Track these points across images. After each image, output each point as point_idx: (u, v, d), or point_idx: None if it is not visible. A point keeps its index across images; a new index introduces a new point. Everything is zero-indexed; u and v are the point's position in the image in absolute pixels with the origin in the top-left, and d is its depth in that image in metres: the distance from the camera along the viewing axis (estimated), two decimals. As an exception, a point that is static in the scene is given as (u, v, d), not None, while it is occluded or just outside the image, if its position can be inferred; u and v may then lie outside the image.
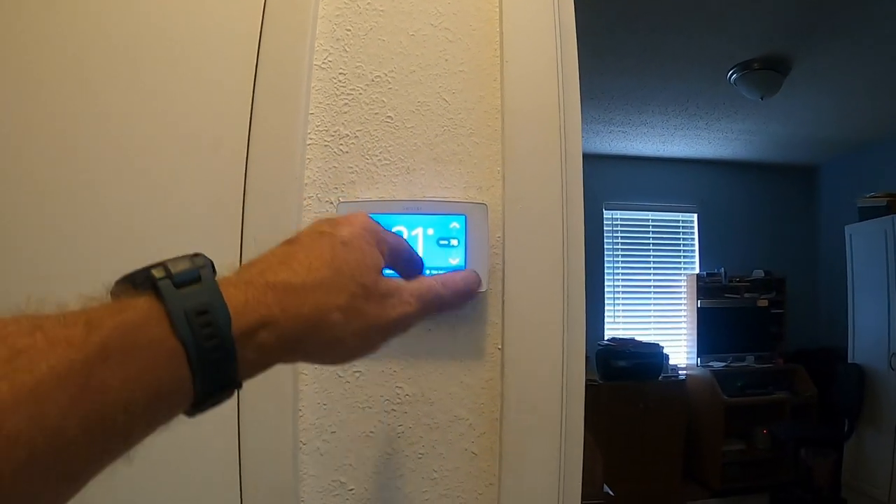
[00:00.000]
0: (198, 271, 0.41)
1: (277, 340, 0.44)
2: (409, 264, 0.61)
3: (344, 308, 0.48)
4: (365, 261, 0.51)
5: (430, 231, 0.96)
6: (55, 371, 0.32)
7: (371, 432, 0.98)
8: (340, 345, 0.49)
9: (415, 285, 0.56)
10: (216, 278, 0.43)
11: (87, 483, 0.35)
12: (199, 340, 0.38)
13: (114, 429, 0.35)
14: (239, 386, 0.43)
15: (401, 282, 0.56)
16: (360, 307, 0.50)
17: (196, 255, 0.43)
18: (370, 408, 0.98)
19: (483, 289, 0.96)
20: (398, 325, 0.54)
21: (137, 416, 0.36)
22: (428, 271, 0.70)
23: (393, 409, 0.98)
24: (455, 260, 0.96)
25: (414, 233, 0.96)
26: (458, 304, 0.61)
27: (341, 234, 0.51)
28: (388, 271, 0.57)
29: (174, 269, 0.41)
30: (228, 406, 0.97)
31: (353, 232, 0.52)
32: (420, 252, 0.95)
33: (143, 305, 0.38)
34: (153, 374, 0.37)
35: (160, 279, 0.40)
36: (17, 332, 0.33)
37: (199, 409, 0.41)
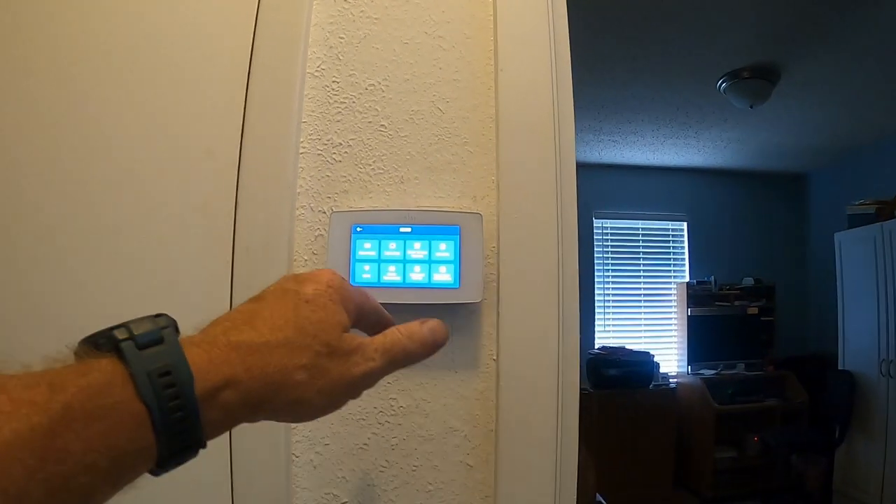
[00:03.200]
0: (160, 332, 0.42)
1: (241, 400, 0.44)
2: (377, 322, 0.61)
3: (307, 367, 0.48)
4: (329, 319, 0.51)
5: (424, 241, 0.95)
6: (18, 434, 0.32)
7: (365, 444, 0.97)
8: (305, 404, 0.49)
9: (379, 340, 0.56)
10: (179, 339, 0.43)
11: None
12: (163, 402, 0.39)
13: (76, 490, 0.35)
14: (203, 446, 0.43)
15: (365, 338, 0.55)
16: (323, 366, 0.50)
17: (158, 315, 0.44)
18: (364, 420, 0.97)
19: (478, 300, 0.95)
20: (363, 382, 0.54)
21: (100, 478, 0.36)
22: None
23: (387, 421, 0.97)
24: (448, 276, 0.95)
25: (408, 243, 0.95)
26: (424, 355, 0.60)
27: (305, 291, 0.52)
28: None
29: (136, 330, 0.41)
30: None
31: (317, 290, 0.52)
32: (414, 264, 0.95)
33: (106, 367, 0.39)
34: (116, 437, 0.37)
35: (122, 340, 0.40)
36: None
37: (163, 468, 0.42)
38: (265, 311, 0.49)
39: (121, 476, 0.38)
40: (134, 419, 0.38)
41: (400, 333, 0.58)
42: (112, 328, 0.41)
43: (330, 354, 0.50)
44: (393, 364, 0.56)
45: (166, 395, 0.39)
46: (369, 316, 0.59)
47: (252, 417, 0.47)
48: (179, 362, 0.41)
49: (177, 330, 0.44)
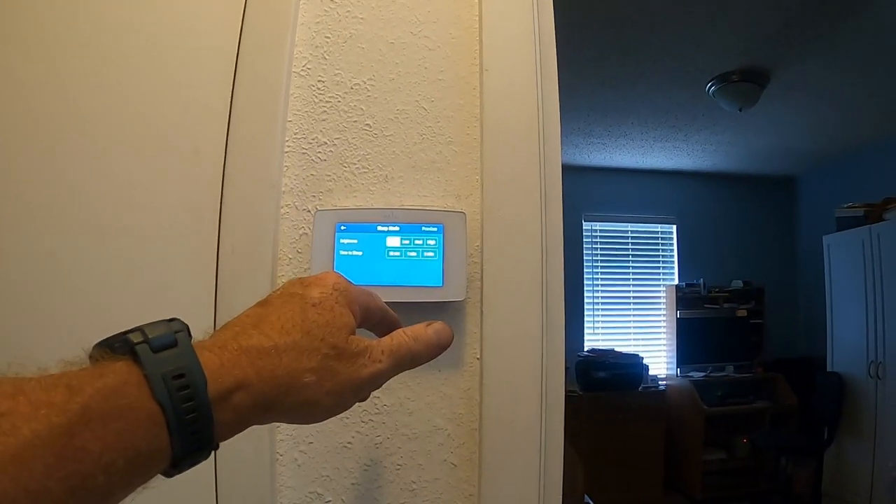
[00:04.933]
0: (174, 336, 0.43)
1: (252, 402, 0.46)
2: (381, 322, 0.62)
3: (316, 370, 0.49)
4: (335, 321, 0.52)
5: (408, 240, 0.95)
6: (38, 434, 0.33)
7: (349, 443, 0.97)
8: (314, 405, 0.50)
9: (386, 342, 0.57)
10: (191, 343, 0.44)
11: None
12: (177, 403, 0.40)
13: (94, 490, 0.36)
14: (216, 447, 0.45)
15: (372, 340, 0.56)
16: (331, 368, 0.51)
17: (172, 319, 0.44)
18: (347, 418, 0.97)
19: (461, 298, 0.96)
20: (370, 384, 0.55)
21: (117, 478, 0.37)
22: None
23: (371, 420, 0.98)
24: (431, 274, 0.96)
25: (391, 241, 0.95)
26: (430, 357, 0.61)
27: (312, 295, 0.53)
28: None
29: (151, 333, 0.42)
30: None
31: (323, 293, 0.53)
32: (397, 262, 0.95)
33: (121, 370, 0.39)
34: (132, 437, 0.38)
35: (138, 344, 0.41)
36: (0, 395, 0.34)
37: (177, 469, 0.43)
38: (273, 316, 0.50)
39: (136, 476, 0.39)
40: (150, 419, 0.39)
41: (406, 336, 0.59)
42: (127, 332, 0.42)
43: (338, 357, 0.51)
44: (399, 366, 0.57)
45: (180, 396, 0.40)
46: (375, 316, 0.60)
47: (262, 419, 0.48)
48: (193, 365, 0.42)
49: (189, 334, 0.44)
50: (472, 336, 0.99)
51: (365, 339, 0.55)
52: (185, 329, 0.44)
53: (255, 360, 0.46)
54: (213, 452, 0.45)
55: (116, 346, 0.42)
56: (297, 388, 0.48)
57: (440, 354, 0.62)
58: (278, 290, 0.54)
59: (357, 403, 0.93)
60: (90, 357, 0.43)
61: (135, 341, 0.41)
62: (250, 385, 0.45)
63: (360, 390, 0.54)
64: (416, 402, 0.98)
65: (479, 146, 1.03)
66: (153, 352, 0.41)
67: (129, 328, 0.43)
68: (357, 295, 0.57)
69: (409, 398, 0.98)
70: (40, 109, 1.00)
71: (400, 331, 0.60)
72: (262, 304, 0.52)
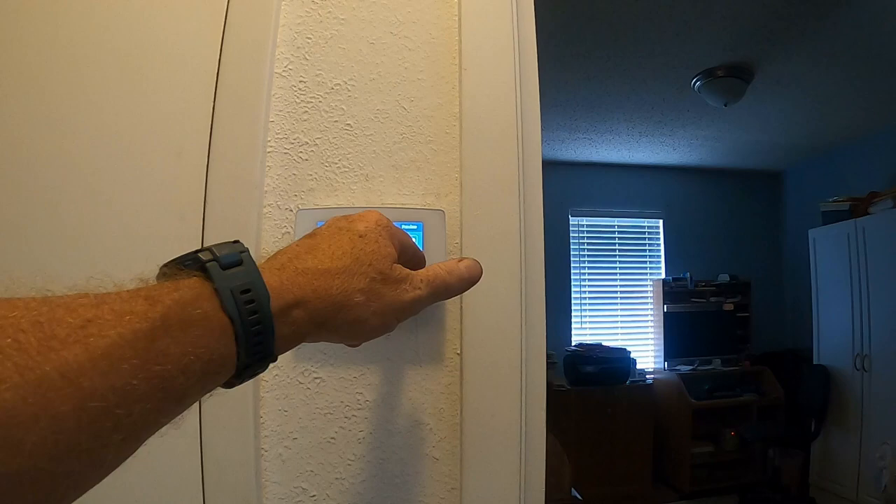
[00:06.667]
0: (239, 255, 0.47)
1: (309, 318, 0.51)
2: (413, 258, 0.69)
3: (365, 291, 0.55)
4: (380, 251, 0.59)
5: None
6: (123, 337, 0.37)
7: (332, 438, 0.98)
8: (362, 323, 0.56)
9: (424, 273, 0.65)
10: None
11: (142, 443, 0.40)
12: (244, 316, 0.44)
13: (173, 390, 0.40)
14: (274, 359, 0.49)
15: (411, 271, 0.63)
16: (378, 290, 0.57)
17: (236, 241, 0.49)
18: (331, 414, 0.98)
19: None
20: (411, 307, 0.62)
21: (193, 380, 0.41)
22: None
23: (354, 415, 0.99)
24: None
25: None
26: (461, 290, 0.70)
27: (358, 228, 0.60)
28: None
29: (219, 252, 0.46)
30: (190, 413, 0.97)
31: (368, 227, 0.60)
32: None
33: (194, 284, 0.44)
34: (206, 344, 0.42)
35: (208, 261, 0.45)
36: (86, 305, 0.37)
37: (239, 378, 0.47)
38: (323, 244, 0.56)
39: (208, 380, 0.43)
40: (220, 329, 0.43)
41: (441, 268, 0.67)
42: (197, 251, 0.47)
43: (383, 281, 0.58)
44: (435, 294, 0.65)
45: (247, 309, 0.45)
46: (408, 252, 0.68)
47: (315, 335, 0.54)
48: (258, 281, 0.47)
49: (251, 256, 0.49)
50: (453, 332, 1.01)
51: (406, 268, 0.62)
52: (248, 251, 0.48)
53: (311, 280, 0.52)
54: (269, 365, 0.49)
55: (188, 264, 0.46)
56: (348, 306, 0.54)
57: (470, 287, 0.70)
58: (324, 226, 0.61)
59: (341, 400, 0.94)
60: (160, 275, 0.47)
61: (205, 259, 0.45)
62: (308, 302, 0.51)
63: (402, 313, 0.61)
64: (398, 398, 1.00)
65: (458, 145, 1.04)
66: (222, 269, 0.45)
67: (198, 248, 0.47)
68: (396, 231, 0.65)
69: (391, 394, 0.99)
70: (16, 115, 1.00)
71: (436, 264, 0.68)
72: (311, 236, 0.58)
